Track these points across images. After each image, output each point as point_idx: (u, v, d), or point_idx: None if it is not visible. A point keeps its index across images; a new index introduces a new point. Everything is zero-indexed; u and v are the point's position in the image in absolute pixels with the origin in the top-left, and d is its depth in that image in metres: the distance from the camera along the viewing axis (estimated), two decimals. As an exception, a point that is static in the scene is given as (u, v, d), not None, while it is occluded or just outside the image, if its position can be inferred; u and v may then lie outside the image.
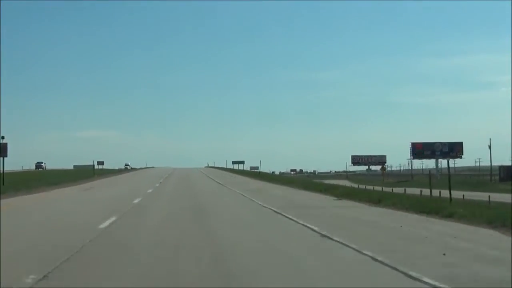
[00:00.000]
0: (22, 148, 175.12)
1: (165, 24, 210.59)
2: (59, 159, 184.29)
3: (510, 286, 8.09)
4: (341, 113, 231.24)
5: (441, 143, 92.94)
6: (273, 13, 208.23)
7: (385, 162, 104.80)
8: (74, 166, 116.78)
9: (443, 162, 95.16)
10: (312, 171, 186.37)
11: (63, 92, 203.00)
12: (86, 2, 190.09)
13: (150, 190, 37.10)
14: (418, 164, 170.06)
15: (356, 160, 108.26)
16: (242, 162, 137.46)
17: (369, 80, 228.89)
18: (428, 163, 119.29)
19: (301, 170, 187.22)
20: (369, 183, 60.27)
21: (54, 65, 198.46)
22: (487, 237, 13.50)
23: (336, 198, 29.45)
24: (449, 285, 8.07)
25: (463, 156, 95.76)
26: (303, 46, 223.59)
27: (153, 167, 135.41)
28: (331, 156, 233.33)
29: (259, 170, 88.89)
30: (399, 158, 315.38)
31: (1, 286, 8.01)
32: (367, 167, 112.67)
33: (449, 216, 17.89)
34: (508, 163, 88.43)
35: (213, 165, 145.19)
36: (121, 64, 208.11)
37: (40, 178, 50.74)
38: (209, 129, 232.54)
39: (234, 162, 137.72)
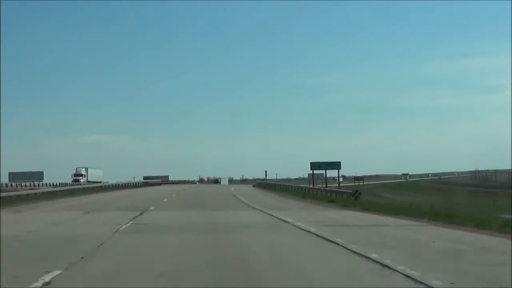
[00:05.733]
0: (22, 154, 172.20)
1: (172, 26, 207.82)
2: (60, 165, 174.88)
3: (510, 286, 8.09)
4: (346, 117, 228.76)
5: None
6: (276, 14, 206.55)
7: None
8: (10, 173, 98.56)
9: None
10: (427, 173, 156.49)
11: (64, 95, 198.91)
12: (89, 3, 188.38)
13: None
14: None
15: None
16: (338, 165, 68.43)
17: (374, 83, 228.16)
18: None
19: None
20: None
21: (55, 67, 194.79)
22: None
23: None
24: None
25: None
26: (306, 49, 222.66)
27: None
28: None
29: None
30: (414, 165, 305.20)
31: (1, 286, 8.03)
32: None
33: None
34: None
35: (241, 178, 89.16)
36: (126, 68, 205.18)
37: None
38: (210, 136, 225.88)
39: (313, 165, 68.77)
